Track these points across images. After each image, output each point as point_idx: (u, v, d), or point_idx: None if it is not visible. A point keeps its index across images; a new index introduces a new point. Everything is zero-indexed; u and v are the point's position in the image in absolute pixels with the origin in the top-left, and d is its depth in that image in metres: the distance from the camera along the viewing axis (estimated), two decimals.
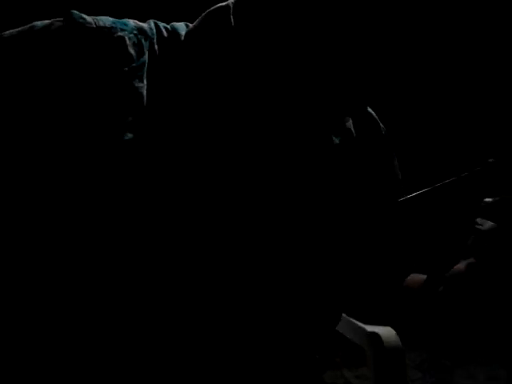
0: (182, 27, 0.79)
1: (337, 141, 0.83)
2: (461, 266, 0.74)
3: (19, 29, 0.74)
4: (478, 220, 0.71)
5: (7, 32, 0.73)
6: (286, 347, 0.79)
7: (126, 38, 0.74)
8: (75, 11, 0.74)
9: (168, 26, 0.79)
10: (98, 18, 0.75)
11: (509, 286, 0.71)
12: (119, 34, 0.73)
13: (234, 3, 0.78)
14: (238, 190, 0.74)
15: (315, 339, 0.84)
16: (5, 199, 0.70)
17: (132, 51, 0.73)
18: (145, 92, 0.72)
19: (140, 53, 0.74)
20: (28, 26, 0.74)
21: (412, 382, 2.54)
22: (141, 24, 0.77)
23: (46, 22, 0.74)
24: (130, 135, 0.70)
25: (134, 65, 0.73)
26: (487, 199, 0.71)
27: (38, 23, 0.74)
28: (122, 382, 0.71)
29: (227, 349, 0.74)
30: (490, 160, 0.73)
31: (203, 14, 0.79)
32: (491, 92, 3.12)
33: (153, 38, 0.76)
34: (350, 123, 0.86)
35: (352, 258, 0.82)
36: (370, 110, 0.92)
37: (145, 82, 0.73)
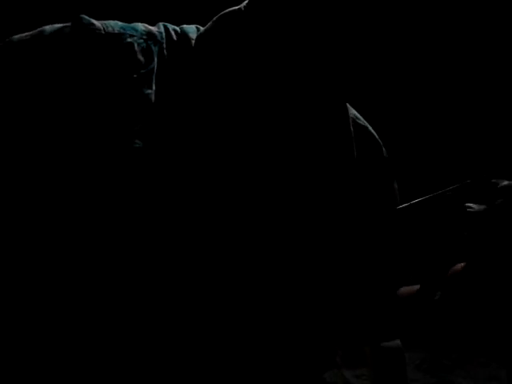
0: (192, 30, 0.79)
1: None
2: (456, 268, 0.74)
3: (28, 33, 0.74)
4: (469, 204, 0.71)
5: (16, 36, 0.74)
6: (287, 347, 0.80)
7: (135, 44, 0.74)
8: (85, 16, 0.74)
9: (178, 29, 0.79)
10: (107, 23, 0.75)
11: (507, 285, 0.71)
12: (128, 40, 0.74)
13: (245, 7, 0.77)
14: (242, 197, 0.74)
15: (316, 339, 0.84)
16: (16, 202, 0.70)
17: (141, 57, 0.74)
18: (153, 98, 0.72)
19: (149, 59, 0.74)
20: (37, 30, 0.74)
21: (412, 382, 2.54)
22: (150, 28, 0.77)
23: (56, 26, 0.74)
24: (138, 142, 0.71)
25: (142, 71, 0.73)
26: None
27: (48, 28, 0.74)
28: (122, 382, 0.71)
29: (227, 349, 0.74)
30: (468, 181, 0.73)
31: (215, 18, 0.79)
32: (489, 101, 3.11)
33: (162, 43, 0.76)
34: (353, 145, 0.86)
35: (348, 263, 0.82)
36: (373, 131, 0.90)
37: (153, 87, 0.73)
